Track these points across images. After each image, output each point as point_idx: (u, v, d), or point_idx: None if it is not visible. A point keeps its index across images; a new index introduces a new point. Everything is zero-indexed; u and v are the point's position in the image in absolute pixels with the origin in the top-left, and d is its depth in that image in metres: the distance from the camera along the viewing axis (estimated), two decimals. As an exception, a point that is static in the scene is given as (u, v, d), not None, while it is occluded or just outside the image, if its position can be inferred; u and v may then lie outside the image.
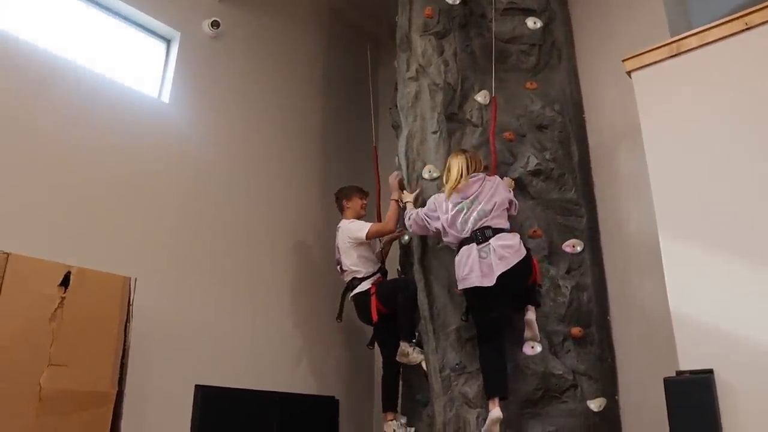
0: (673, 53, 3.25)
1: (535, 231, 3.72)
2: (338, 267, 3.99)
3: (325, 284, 4.62)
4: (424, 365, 3.54)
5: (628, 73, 3.41)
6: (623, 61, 3.42)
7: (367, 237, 3.81)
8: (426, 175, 3.85)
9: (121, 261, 3.30)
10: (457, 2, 4.17)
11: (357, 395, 4.70)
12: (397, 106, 4.44)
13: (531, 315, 3.37)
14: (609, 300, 3.76)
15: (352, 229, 3.89)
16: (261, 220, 4.32)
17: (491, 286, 3.14)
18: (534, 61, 4.14)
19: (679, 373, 2.83)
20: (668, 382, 2.81)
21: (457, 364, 3.42)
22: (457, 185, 3.41)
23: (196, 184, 3.94)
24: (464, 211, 3.34)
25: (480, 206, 3.32)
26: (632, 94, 3.99)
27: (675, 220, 3.02)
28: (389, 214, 3.85)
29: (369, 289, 3.81)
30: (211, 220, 3.98)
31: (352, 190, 4.11)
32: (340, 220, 4.10)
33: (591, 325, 3.58)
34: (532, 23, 4.10)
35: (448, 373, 3.41)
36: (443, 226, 3.39)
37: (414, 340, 3.64)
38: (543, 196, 3.81)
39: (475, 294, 3.22)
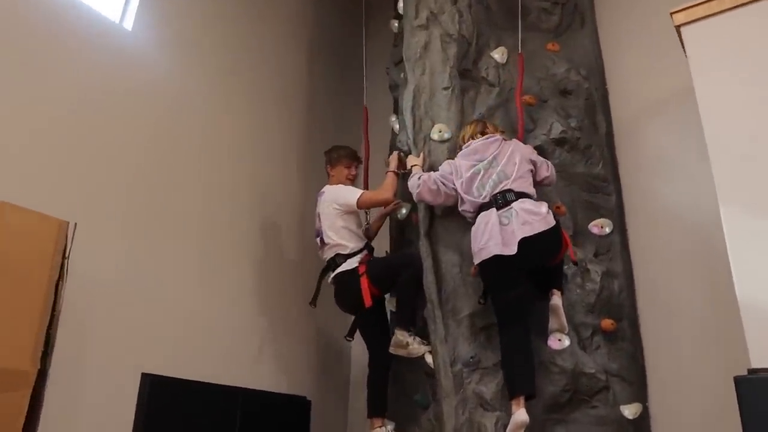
0: (734, 4, 2.81)
1: (558, 207, 3.19)
2: (318, 239, 3.33)
3: (301, 263, 3.97)
4: (428, 359, 2.94)
5: (678, 27, 2.95)
6: (672, 13, 2.96)
7: (359, 205, 3.18)
8: (435, 136, 3.28)
9: (60, 202, 2.55)
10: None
11: (331, 395, 4.02)
12: (395, 65, 3.89)
13: (557, 300, 2.83)
14: (636, 291, 3.26)
15: (342, 193, 3.25)
16: (232, 179, 3.62)
17: (512, 255, 2.62)
18: (556, 21, 3.67)
19: (753, 371, 2.35)
20: (740, 381, 2.32)
21: (471, 358, 2.83)
22: (472, 138, 2.98)
23: (157, 128, 3.20)
24: (480, 174, 2.86)
25: (499, 168, 2.84)
26: (658, 66, 3.62)
27: (740, 194, 2.56)
28: (386, 182, 3.25)
29: (357, 267, 3.16)
30: (175, 172, 3.25)
31: (340, 155, 3.45)
32: (323, 185, 3.48)
33: (622, 319, 3.07)
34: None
35: (460, 369, 2.82)
36: (458, 193, 2.88)
37: (413, 329, 3.04)
38: (567, 170, 3.30)
39: (494, 266, 2.69)
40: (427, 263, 3.01)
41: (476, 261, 2.76)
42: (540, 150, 3.27)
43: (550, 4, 3.64)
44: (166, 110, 3.28)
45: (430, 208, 3.15)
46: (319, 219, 3.31)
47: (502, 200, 2.75)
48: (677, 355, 3.10)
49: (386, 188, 3.22)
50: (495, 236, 2.66)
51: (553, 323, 2.84)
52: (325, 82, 4.69)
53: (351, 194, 3.21)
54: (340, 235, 3.21)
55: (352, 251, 3.22)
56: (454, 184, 2.90)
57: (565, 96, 3.48)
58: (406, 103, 3.36)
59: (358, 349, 3.99)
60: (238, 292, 3.50)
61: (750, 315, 2.40)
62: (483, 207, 2.79)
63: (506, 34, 3.63)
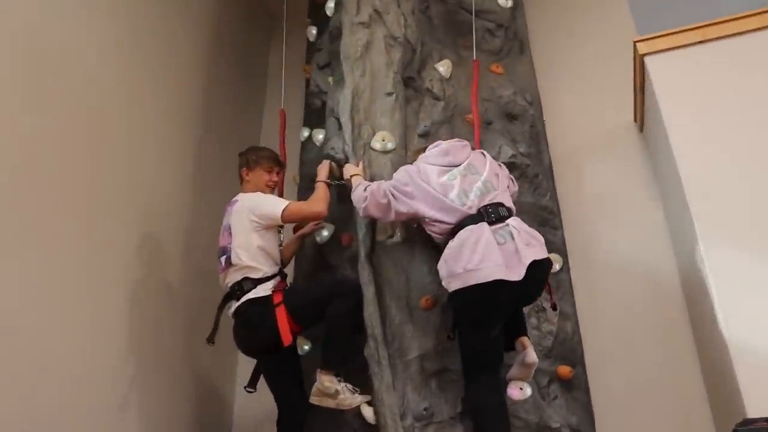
0: (698, 40, 2.75)
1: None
2: (222, 258, 2.63)
3: (183, 289, 3.20)
4: (366, 411, 2.36)
5: (642, 56, 2.84)
6: (635, 42, 2.86)
7: (285, 218, 2.57)
8: (377, 145, 2.81)
9: None
10: (414, -39, 3.35)
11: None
12: (320, 68, 3.41)
13: (533, 354, 2.40)
14: (582, 336, 2.98)
15: (264, 202, 2.62)
16: (108, 183, 2.81)
17: (516, 283, 2.14)
18: (499, 44, 3.43)
19: (749, 421, 2.10)
20: (741, 433, 2.06)
21: (425, 410, 2.31)
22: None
23: (22, 119, 2.35)
24: (457, 180, 2.37)
25: (483, 176, 2.39)
26: (597, 103, 3.52)
27: (722, 232, 2.42)
28: (318, 193, 2.69)
29: (270, 296, 2.52)
30: (34, 170, 2.39)
31: (260, 157, 2.81)
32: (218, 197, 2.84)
33: (576, 365, 2.74)
34: (504, 0, 3.40)
35: (411, 423, 2.28)
36: (429, 201, 2.35)
37: (339, 375, 2.45)
38: (518, 198, 2.98)
39: (487, 295, 2.17)
40: (369, 292, 2.48)
41: (457, 285, 2.20)
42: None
43: (494, 25, 3.41)
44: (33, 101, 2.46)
45: (372, 227, 2.64)
46: (228, 234, 2.62)
47: (494, 214, 2.28)
48: (627, 407, 2.83)
49: (318, 200, 2.65)
50: (493, 256, 2.15)
51: (518, 372, 2.42)
52: (225, 87, 4.04)
53: (275, 204, 2.59)
54: (252, 255, 2.56)
55: (265, 276, 2.58)
56: (411, 196, 2.37)
57: (511, 120, 3.21)
58: (343, 105, 2.88)
59: (245, 400, 3.29)
60: (101, 325, 2.60)
61: (742, 360, 2.19)
62: (467, 220, 2.29)
63: (447, 49, 3.33)
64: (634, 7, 3.68)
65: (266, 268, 2.59)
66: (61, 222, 2.44)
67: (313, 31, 3.78)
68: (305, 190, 3.27)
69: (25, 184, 2.28)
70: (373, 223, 2.64)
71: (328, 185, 2.76)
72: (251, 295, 2.53)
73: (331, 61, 3.33)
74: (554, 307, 2.49)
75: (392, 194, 2.42)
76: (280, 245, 2.84)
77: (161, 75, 3.31)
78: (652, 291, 2.99)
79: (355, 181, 2.62)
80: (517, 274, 2.13)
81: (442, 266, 2.29)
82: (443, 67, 3.19)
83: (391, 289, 2.54)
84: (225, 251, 2.61)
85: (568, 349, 2.73)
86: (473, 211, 2.29)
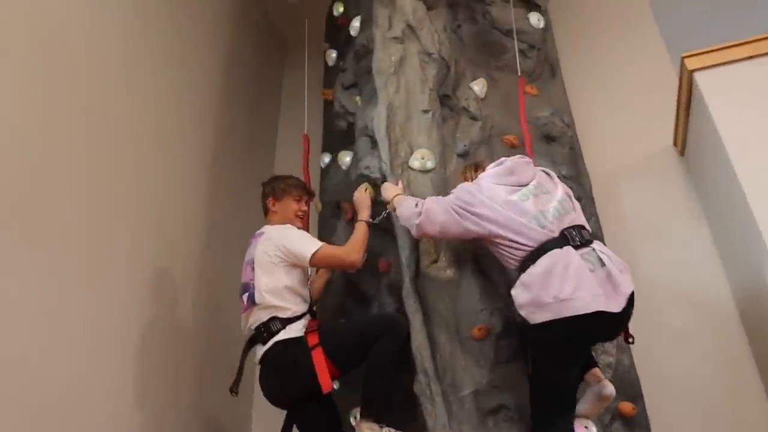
0: (748, 55, 2.65)
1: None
2: (244, 296, 2.36)
3: (197, 329, 2.95)
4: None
5: (691, 72, 2.72)
6: (684, 57, 2.75)
7: (314, 262, 2.32)
8: (416, 164, 2.63)
9: None
10: (446, -22, 3.26)
11: None
12: (345, 88, 3.25)
13: (607, 381, 2.17)
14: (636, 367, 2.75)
15: (294, 239, 2.35)
16: (116, 209, 2.58)
17: (615, 315, 1.88)
18: (531, 66, 3.30)
19: None
20: None
21: (485, 452, 2.05)
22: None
23: (30, 130, 2.16)
24: (529, 200, 2.09)
25: (557, 196, 2.14)
26: (633, 127, 3.40)
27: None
28: (356, 237, 2.41)
29: (304, 337, 2.26)
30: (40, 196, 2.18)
31: (289, 185, 2.59)
32: (237, 227, 2.64)
33: (637, 400, 2.50)
34: (536, 20, 3.30)
35: (471, 467, 2.02)
36: (503, 222, 2.07)
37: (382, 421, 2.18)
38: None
39: (581, 328, 1.90)
40: (417, 321, 2.24)
41: (546, 317, 1.90)
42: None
43: (527, 46, 3.29)
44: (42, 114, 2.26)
45: (416, 250, 2.43)
46: (251, 269, 2.36)
47: (578, 237, 2.01)
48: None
49: (356, 246, 2.36)
50: (589, 284, 1.88)
51: (590, 407, 2.18)
52: (238, 116, 3.88)
53: (306, 244, 2.33)
54: (278, 294, 2.30)
55: (295, 315, 2.32)
56: (483, 217, 2.09)
57: (549, 142, 3.06)
58: (378, 122, 2.70)
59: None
60: (106, 370, 2.33)
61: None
62: (550, 243, 2.00)
63: (479, 70, 3.19)
64: (664, 30, 3.60)
65: (295, 307, 2.34)
66: (64, 255, 2.20)
67: (333, 54, 3.65)
68: (329, 217, 3.08)
69: (29, 217, 2.06)
70: (416, 246, 2.43)
71: (369, 225, 2.48)
72: (281, 336, 2.26)
73: (357, 81, 3.17)
74: (629, 339, 2.15)
75: (457, 212, 2.16)
76: (308, 281, 2.61)
77: (174, 105, 3.14)
78: (706, 314, 2.81)
79: (399, 200, 2.41)
80: (616, 305, 1.88)
81: (521, 294, 1.99)
82: (478, 87, 3.05)
83: (439, 318, 2.31)
84: (247, 288, 2.35)
85: (627, 384, 2.50)
86: (555, 233, 2.02)
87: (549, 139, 3.06)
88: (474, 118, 2.92)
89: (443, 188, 2.58)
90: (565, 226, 2.05)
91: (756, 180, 2.40)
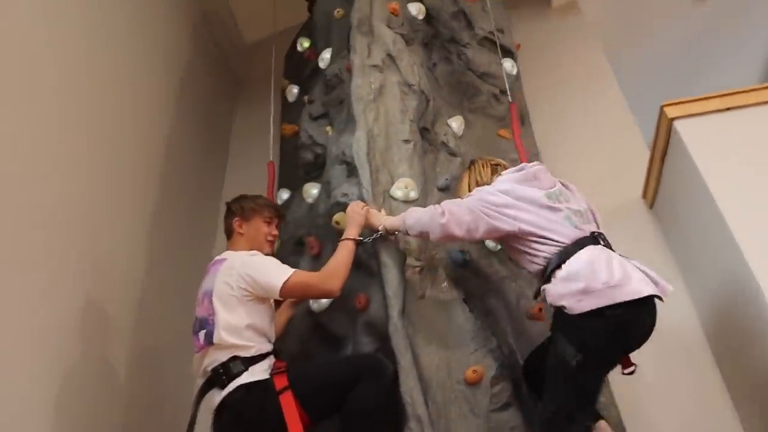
0: (725, 107, 2.69)
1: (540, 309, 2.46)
2: (200, 334, 2.02)
3: (131, 373, 2.52)
4: None
5: (671, 120, 2.72)
6: (664, 106, 2.76)
7: (284, 293, 2.02)
8: (398, 194, 2.43)
9: None
10: (420, 18, 3.21)
11: None
12: (314, 119, 3.06)
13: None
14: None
15: (260, 268, 2.04)
16: (47, 244, 2.21)
17: (651, 308, 1.85)
18: (503, 111, 3.24)
19: None
20: None
21: None
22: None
23: None
24: (558, 203, 2.02)
25: (580, 205, 2.08)
26: (599, 179, 3.38)
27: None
28: (339, 259, 2.12)
29: (269, 379, 1.93)
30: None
31: (259, 205, 2.30)
32: (182, 258, 2.42)
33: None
34: (510, 66, 3.27)
35: None
36: (535, 217, 1.96)
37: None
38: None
39: (633, 316, 1.81)
40: (406, 361, 1.97)
41: (597, 303, 1.76)
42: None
43: (499, 91, 3.24)
44: None
45: (404, 282, 2.18)
46: (209, 302, 2.02)
47: (604, 243, 1.96)
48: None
49: (336, 269, 2.08)
50: (636, 273, 1.82)
51: None
52: (185, 154, 3.57)
53: (275, 273, 2.03)
54: (239, 334, 1.97)
55: (259, 353, 2.00)
56: (512, 214, 1.97)
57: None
58: (357, 148, 2.50)
59: None
60: (21, 418, 1.91)
61: None
62: (585, 240, 1.93)
63: (454, 109, 3.09)
64: (623, 85, 3.71)
65: (259, 344, 2.02)
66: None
67: (294, 90, 3.52)
68: (288, 255, 2.78)
69: None
70: (403, 278, 2.19)
71: (357, 244, 2.20)
72: (244, 379, 1.92)
73: (328, 111, 3.00)
74: (631, 365, 1.94)
75: (484, 212, 1.99)
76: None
77: (119, 128, 2.83)
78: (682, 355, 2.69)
79: (407, 212, 2.19)
80: (663, 292, 1.84)
81: (561, 285, 1.85)
82: (456, 124, 2.94)
83: (428, 359, 2.05)
84: (205, 324, 2.01)
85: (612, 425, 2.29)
86: (586, 233, 1.96)
87: (524, 182, 2.96)
88: (453, 154, 2.79)
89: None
90: (593, 230, 1.99)
91: (743, 220, 2.37)
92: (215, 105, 4.05)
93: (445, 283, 2.27)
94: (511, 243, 2.03)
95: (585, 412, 1.88)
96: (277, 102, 3.75)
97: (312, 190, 2.83)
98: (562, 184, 2.15)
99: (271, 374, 1.96)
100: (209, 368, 1.98)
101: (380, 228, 2.21)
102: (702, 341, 2.75)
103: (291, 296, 2.11)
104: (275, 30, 4.06)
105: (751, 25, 4.84)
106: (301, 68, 3.57)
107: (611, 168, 3.38)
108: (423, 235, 2.10)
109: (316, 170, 2.95)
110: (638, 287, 1.78)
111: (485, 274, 2.41)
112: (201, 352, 2.02)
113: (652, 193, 3.11)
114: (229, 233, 2.27)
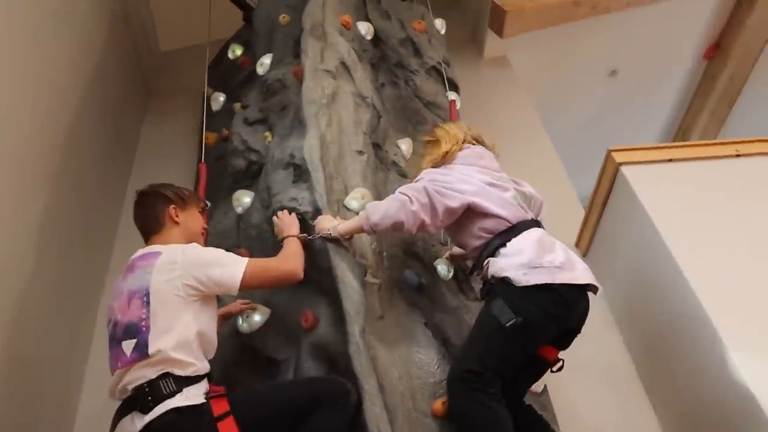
0: (667, 158, 2.77)
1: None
2: (126, 344, 1.59)
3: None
4: None
5: (618, 165, 2.75)
6: (612, 151, 2.78)
7: (244, 284, 1.71)
8: (354, 204, 2.18)
9: None
10: (368, 38, 3.08)
11: None
12: (249, 124, 2.77)
13: None
14: None
15: (210, 260, 1.72)
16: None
17: (584, 301, 1.86)
18: (446, 144, 3.12)
19: None
20: None
21: None
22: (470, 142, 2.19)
23: None
24: (505, 182, 2.03)
25: (521, 188, 2.11)
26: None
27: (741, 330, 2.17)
28: (290, 249, 1.90)
29: (206, 404, 1.57)
30: None
31: (191, 194, 1.98)
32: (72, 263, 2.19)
33: None
34: (457, 100, 3.19)
35: None
36: (484, 194, 1.92)
37: None
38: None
39: (569, 300, 1.78)
40: (371, 386, 1.66)
41: (540, 279, 1.74)
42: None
43: (442, 121, 3.12)
44: None
45: (365, 296, 1.89)
46: (142, 304, 1.62)
47: (544, 229, 1.97)
48: None
49: (292, 255, 1.86)
50: (576, 261, 1.85)
51: None
52: (89, 158, 3.07)
53: (230, 264, 1.73)
54: (184, 343, 1.61)
55: (196, 374, 1.63)
56: (461, 190, 1.92)
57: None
58: (310, 152, 2.23)
59: None
60: None
61: None
62: (528, 223, 1.93)
63: (400, 134, 2.93)
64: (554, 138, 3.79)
65: (200, 363, 1.65)
66: None
67: (221, 98, 3.26)
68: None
69: None
70: (364, 295, 1.90)
71: (304, 242, 1.97)
72: (176, 402, 1.53)
73: (267, 116, 2.72)
74: (559, 361, 1.93)
75: (437, 191, 1.90)
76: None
77: (14, 124, 2.35)
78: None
79: (352, 222, 1.97)
80: (598, 285, 1.88)
81: (506, 259, 1.82)
82: (405, 146, 2.78)
83: (391, 386, 1.75)
84: (135, 331, 1.60)
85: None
86: (530, 217, 1.97)
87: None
88: (403, 175, 2.60)
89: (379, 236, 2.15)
90: (533, 217, 2.01)
91: (692, 259, 2.37)
92: (123, 109, 3.60)
93: (404, 304, 2.01)
94: (458, 219, 1.96)
95: (495, 385, 1.73)
96: (189, 114, 3.48)
97: (244, 198, 2.50)
98: (514, 181, 2.13)
99: (207, 398, 1.57)
100: (130, 386, 1.57)
101: (330, 231, 1.96)
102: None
103: (250, 287, 1.77)
104: (198, 41, 3.79)
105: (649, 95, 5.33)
106: (230, 76, 3.31)
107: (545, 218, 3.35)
108: (396, 228, 1.90)
109: (247, 179, 2.64)
110: (582, 274, 1.82)
111: (439, 302, 2.20)
112: (123, 368, 1.59)
113: (587, 241, 3.10)
114: (158, 224, 1.88)
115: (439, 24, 3.47)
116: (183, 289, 1.64)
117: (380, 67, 3.11)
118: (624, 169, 2.73)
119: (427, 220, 1.88)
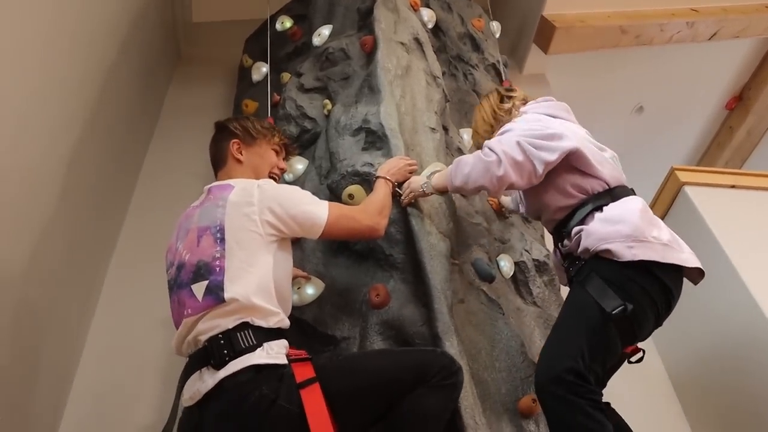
0: (731, 184, 2.70)
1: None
2: (196, 287, 1.37)
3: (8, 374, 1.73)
4: None
5: (682, 183, 2.66)
6: (675, 169, 2.69)
7: (327, 231, 1.50)
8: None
9: None
10: (430, 26, 2.95)
11: None
12: (305, 91, 2.59)
13: None
14: None
15: (295, 197, 1.50)
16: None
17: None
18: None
19: None
20: None
21: None
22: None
23: None
24: (594, 142, 1.73)
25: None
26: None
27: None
28: (377, 196, 1.68)
29: (288, 366, 1.32)
30: None
31: (266, 129, 1.76)
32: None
33: None
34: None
35: None
36: (586, 147, 1.63)
37: None
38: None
39: (675, 285, 1.51)
40: (463, 372, 1.46)
41: (648, 256, 1.46)
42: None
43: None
44: None
45: (450, 274, 1.70)
46: (215, 241, 1.40)
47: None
48: None
49: (381, 206, 1.63)
50: (678, 239, 1.57)
51: None
52: (118, 112, 2.83)
53: (315, 203, 1.52)
54: (265, 291, 1.39)
55: (278, 326, 1.40)
56: (561, 137, 1.61)
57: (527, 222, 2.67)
58: (389, 119, 2.05)
59: None
60: None
61: None
62: (627, 190, 1.65)
63: (457, 126, 2.79)
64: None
65: (279, 316, 1.42)
66: None
67: (263, 68, 3.08)
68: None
69: None
70: (449, 272, 1.72)
71: (395, 189, 1.79)
72: (257, 358, 1.30)
73: (326, 84, 2.53)
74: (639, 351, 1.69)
75: (530, 144, 1.59)
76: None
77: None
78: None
79: (440, 177, 1.78)
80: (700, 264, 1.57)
81: (606, 226, 1.52)
82: (467, 136, 2.63)
83: (476, 376, 1.56)
84: (207, 273, 1.37)
85: None
86: (625, 182, 1.67)
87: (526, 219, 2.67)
88: (466, 163, 2.43)
89: (454, 213, 1.98)
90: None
91: (761, 283, 2.28)
92: (153, 71, 3.38)
93: (480, 292, 1.82)
94: (548, 179, 1.66)
95: (599, 390, 1.49)
96: (233, 81, 3.33)
97: (297, 165, 2.30)
98: None
99: (289, 360, 1.34)
100: (203, 337, 1.33)
101: (424, 188, 1.78)
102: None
103: (332, 236, 1.55)
104: (230, 16, 3.76)
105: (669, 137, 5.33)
106: (277, 47, 3.12)
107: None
108: (478, 191, 1.72)
109: (298, 147, 2.44)
110: (689, 257, 1.53)
111: (504, 297, 2.02)
112: (193, 317, 1.35)
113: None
114: (221, 159, 1.67)
115: (495, 26, 3.37)
116: (261, 225, 1.42)
117: (439, 56, 2.97)
118: (688, 189, 2.64)
119: (520, 181, 1.60)
